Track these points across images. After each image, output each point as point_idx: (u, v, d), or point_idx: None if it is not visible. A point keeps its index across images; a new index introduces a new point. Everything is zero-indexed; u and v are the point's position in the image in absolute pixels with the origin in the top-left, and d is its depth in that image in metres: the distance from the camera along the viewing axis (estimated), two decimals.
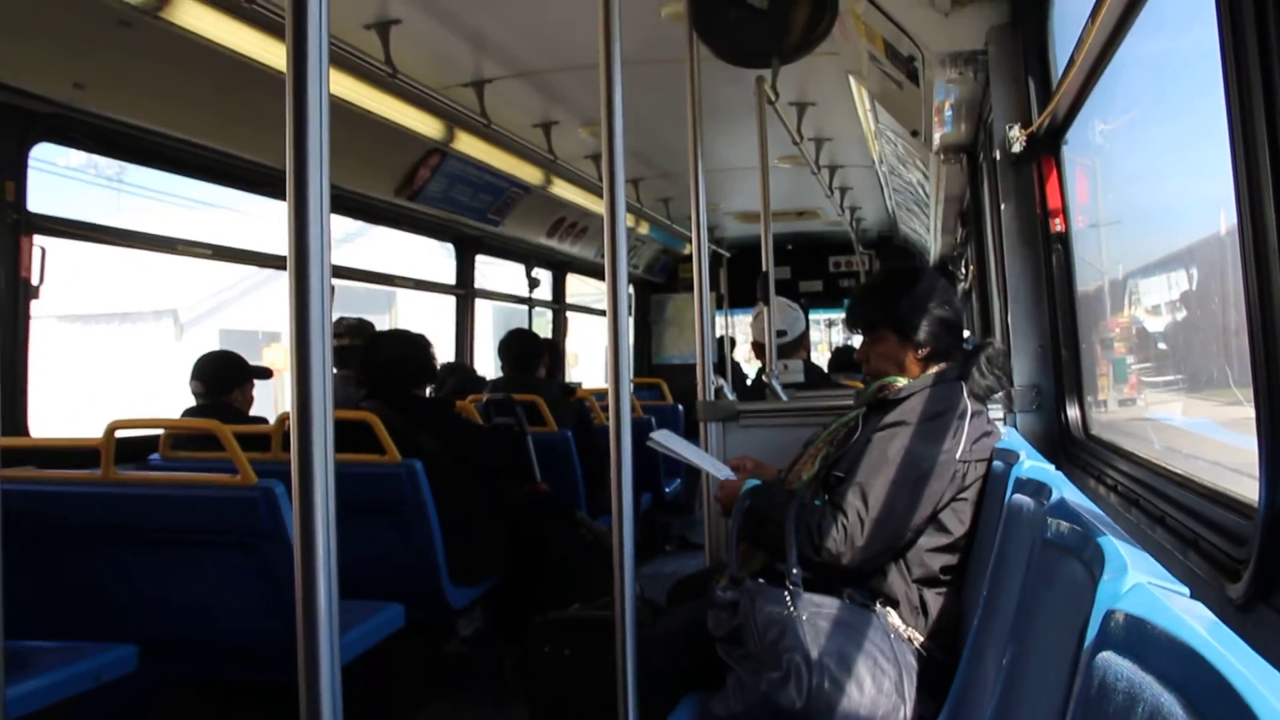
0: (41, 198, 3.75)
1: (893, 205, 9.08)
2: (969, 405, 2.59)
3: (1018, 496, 1.99)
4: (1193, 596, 1.14)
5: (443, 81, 4.95)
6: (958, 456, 2.51)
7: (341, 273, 5.91)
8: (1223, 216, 1.68)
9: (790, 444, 3.15)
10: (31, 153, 3.71)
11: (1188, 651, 0.88)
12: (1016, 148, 3.09)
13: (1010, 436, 2.86)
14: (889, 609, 2.47)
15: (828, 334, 15.08)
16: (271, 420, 4.21)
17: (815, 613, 2.37)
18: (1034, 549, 1.63)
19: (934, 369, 2.72)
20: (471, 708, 4.15)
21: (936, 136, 4.32)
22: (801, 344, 5.78)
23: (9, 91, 3.48)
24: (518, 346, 6.05)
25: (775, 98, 4.31)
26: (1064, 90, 2.65)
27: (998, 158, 3.25)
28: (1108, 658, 1.02)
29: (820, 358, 10.86)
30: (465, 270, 7.28)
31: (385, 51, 4.26)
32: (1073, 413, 3.12)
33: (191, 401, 4.68)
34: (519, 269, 8.35)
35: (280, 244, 1.29)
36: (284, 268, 1.23)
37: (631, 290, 10.63)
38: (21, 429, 3.73)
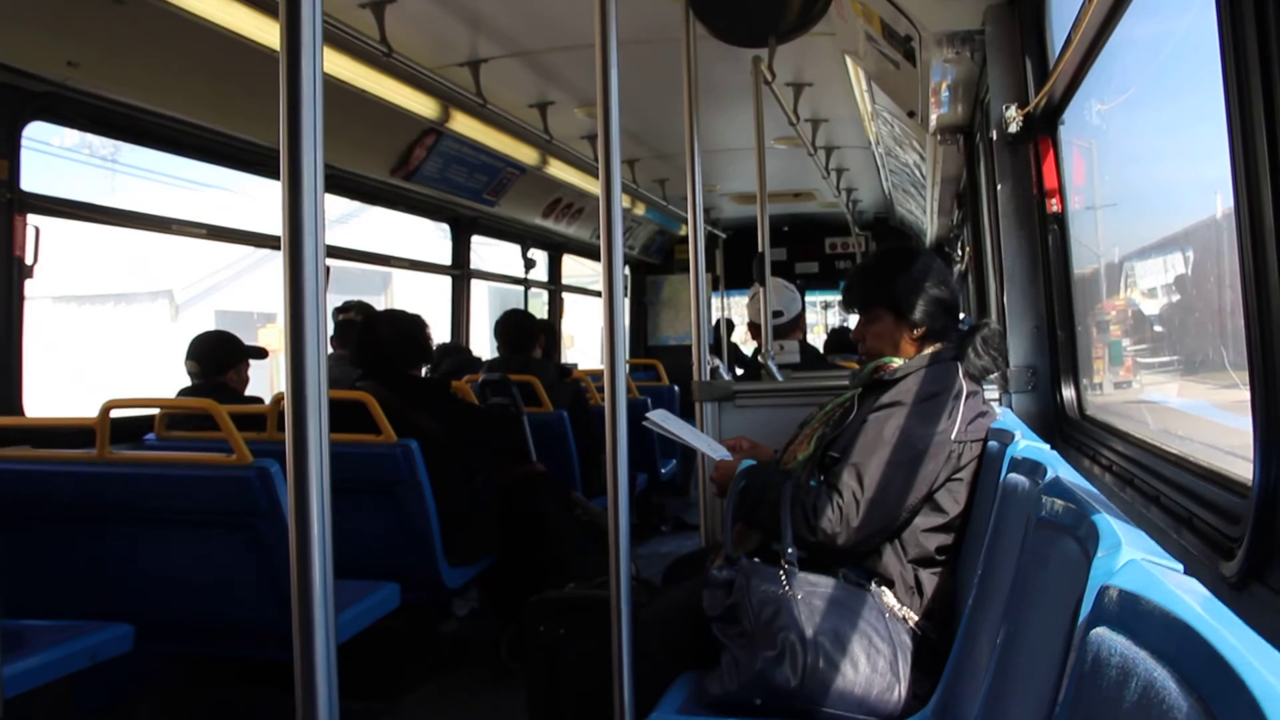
0: (35, 177, 3.74)
1: (889, 186, 9.06)
2: (964, 386, 2.59)
3: (1013, 476, 1.99)
4: (1187, 574, 1.14)
5: (438, 61, 4.92)
6: (953, 437, 2.51)
7: (336, 253, 5.90)
8: (1219, 199, 1.68)
9: (786, 424, 3.16)
10: (25, 131, 3.69)
11: (1181, 626, 0.88)
12: (1013, 128, 3.09)
13: (1005, 417, 2.86)
14: (884, 588, 2.48)
15: (824, 315, 15.08)
16: (267, 400, 4.21)
17: (810, 592, 2.37)
18: (1029, 527, 1.63)
19: (929, 349, 2.72)
20: (467, 687, 4.16)
21: (933, 117, 4.31)
22: (798, 325, 5.79)
23: (2, 70, 3.46)
24: (513, 327, 6.05)
25: (771, 78, 4.30)
26: (1061, 70, 2.64)
27: (994, 138, 3.25)
28: (1102, 633, 1.02)
29: (817, 339, 10.86)
30: (461, 251, 7.26)
31: (380, 30, 4.24)
32: (1068, 393, 3.13)
33: (187, 381, 4.68)
34: (515, 250, 8.34)
35: (275, 224, 1.29)
36: (279, 248, 1.23)
37: (627, 271, 10.62)
38: (16, 409, 3.73)
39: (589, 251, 9.34)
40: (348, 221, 15.79)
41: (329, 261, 1.27)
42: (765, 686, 2.30)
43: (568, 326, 9.74)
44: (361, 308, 5.62)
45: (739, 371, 6.02)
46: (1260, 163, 1.24)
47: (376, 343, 4.35)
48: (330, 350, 5.19)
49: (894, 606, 2.45)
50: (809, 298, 10.60)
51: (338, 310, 5.63)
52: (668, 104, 4.34)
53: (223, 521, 3.17)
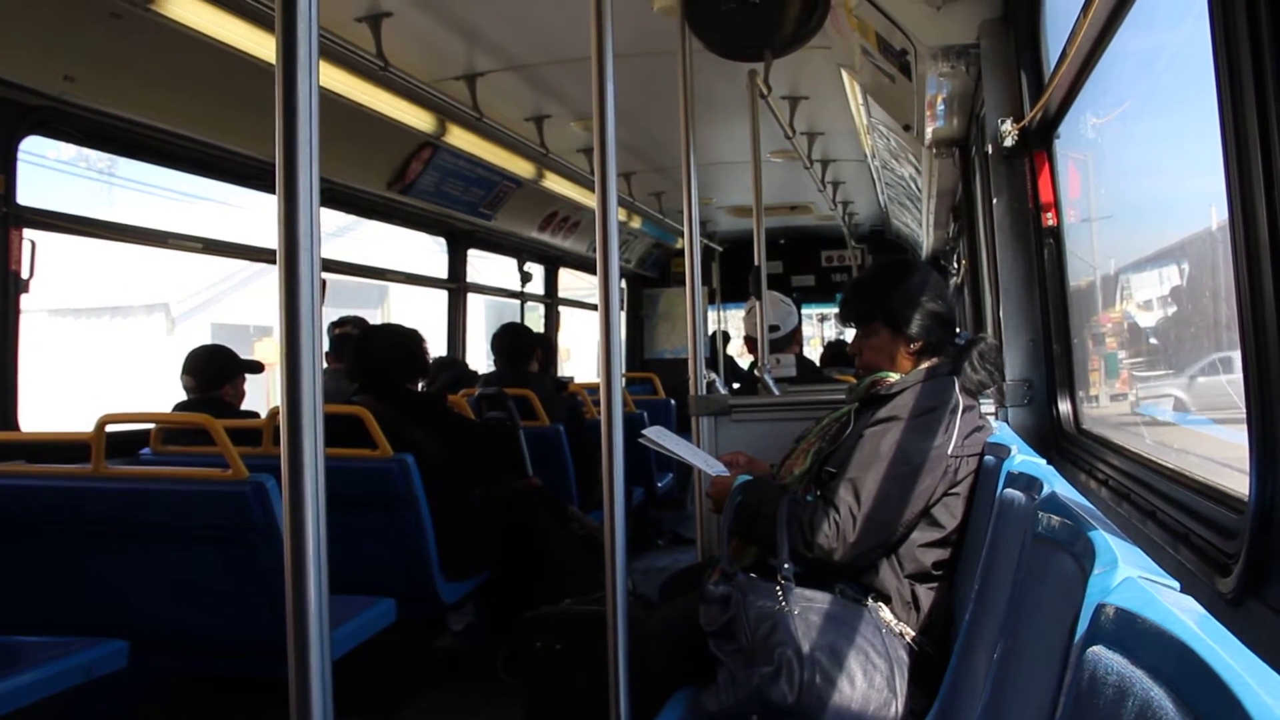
0: (31, 191, 3.74)
1: (885, 200, 9.08)
2: (961, 400, 2.58)
3: (1009, 491, 1.99)
4: (1183, 590, 1.14)
5: (434, 75, 4.93)
6: (949, 452, 2.50)
7: (332, 267, 5.90)
8: (1214, 211, 1.68)
9: (782, 439, 3.15)
10: (21, 145, 3.69)
11: (1178, 645, 0.88)
12: (1008, 142, 3.09)
13: (1002, 431, 2.86)
14: (881, 604, 2.47)
15: (820, 328, 15.09)
16: (263, 414, 4.21)
17: (807, 607, 2.37)
18: (1025, 543, 1.63)
19: (926, 364, 2.72)
20: (463, 703, 4.14)
21: (929, 130, 4.32)
22: (794, 338, 5.78)
23: None
24: (510, 341, 6.05)
25: (767, 91, 4.31)
26: (1056, 84, 2.65)
27: (990, 152, 3.25)
28: (1098, 652, 1.02)
29: (813, 352, 10.87)
30: (457, 264, 7.27)
31: (377, 44, 4.25)
32: (1064, 407, 3.12)
33: (183, 396, 4.67)
34: (511, 263, 8.34)
35: (272, 238, 1.29)
36: (275, 262, 1.23)
37: (624, 285, 10.63)
38: (12, 423, 3.72)
39: (585, 265, 9.35)
40: (344, 235, 15.78)
41: (325, 275, 1.26)
42: (762, 702, 2.29)
43: (564, 340, 9.74)
44: (357, 322, 5.62)
45: (735, 386, 6.02)
46: (1255, 175, 1.24)
47: (373, 357, 4.35)
48: (325, 364, 5.20)
49: (890, 622, 2.44)
50: (805, 311, 10.61)
51: (333, 324, 5.63)
52: (664, 117, 4.36)
53: (218, 537, 3.16)
